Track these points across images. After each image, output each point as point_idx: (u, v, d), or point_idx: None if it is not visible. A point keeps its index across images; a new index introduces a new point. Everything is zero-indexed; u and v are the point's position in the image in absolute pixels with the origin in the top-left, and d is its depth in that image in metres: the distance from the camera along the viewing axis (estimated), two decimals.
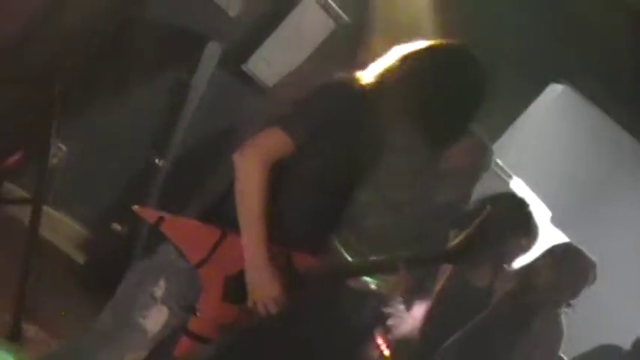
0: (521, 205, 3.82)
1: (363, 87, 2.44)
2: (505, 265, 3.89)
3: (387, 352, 3.63)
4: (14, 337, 3.38)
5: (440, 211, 3.80)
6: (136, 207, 2.60)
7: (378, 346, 3.63)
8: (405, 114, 2.46)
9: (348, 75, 2.61)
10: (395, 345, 3.53)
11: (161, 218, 2.37)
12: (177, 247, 2.34)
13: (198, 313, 2.34)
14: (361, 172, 2.52)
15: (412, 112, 2.44)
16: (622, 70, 4.38)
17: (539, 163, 5.21)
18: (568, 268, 3.66)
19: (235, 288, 2.35)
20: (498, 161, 4.70)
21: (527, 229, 3.68)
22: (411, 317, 3.44)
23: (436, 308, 3.66)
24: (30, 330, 3.50)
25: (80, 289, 4.14)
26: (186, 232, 2.39)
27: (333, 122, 2.39)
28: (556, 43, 4.75)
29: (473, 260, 2.79)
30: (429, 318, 3.61)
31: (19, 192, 4.08)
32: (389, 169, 2.64)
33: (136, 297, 2.42)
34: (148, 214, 2.50)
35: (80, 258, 4.35)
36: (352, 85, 2.46)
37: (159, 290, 2.40)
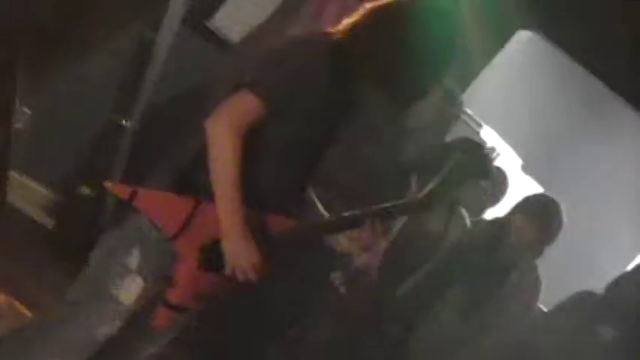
0: (478, 147, 3.87)
1: (334, 43, 2.41)
2: (465, 211, 3.98)
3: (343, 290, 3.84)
4: None
5: (408, 165, 3.90)
6: (107, 183, 2.65)
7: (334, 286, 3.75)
8: (374, 69, 2.44)
9: (318, 32, 2.63)
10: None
11: (134, 193, 2.35)
12: (151, 220, 2.34)
13: (174, 283, 2.33)
14: (333, 128, 2.51)
15: (380, 68, 2.42)
16: (592, 16, 4.37)
17: (510, 112, 5.23)
18: (545, 221, 3.68)
19: (212, 256, 2.35)
20: (468, 110, 4.70)
21: (485, 172, 3.76)
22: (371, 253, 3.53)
23: (391, 251, 3.74)
24: (0, 299, 3.47)
25: (50, 255, 4.06)
26: (159, 205, 2.38)
27: (306, 82, 2.37)
28: None
29: (437, 208, 2.76)
30: (385, 260, 3.72)
31: None
32: (359, 125, 2.64)
33: (109, 267, 2.40)
34: (120, 189, 2.47)
35: (49, 223, 4.29)
36: (323, 43, 2.43)
37: (133, 260, 2.39)
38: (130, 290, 2.38)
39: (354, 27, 2.43)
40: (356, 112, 2.59)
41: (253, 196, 2.36)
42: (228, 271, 2.34)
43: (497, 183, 4.03)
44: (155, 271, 2.38)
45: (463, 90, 4.60)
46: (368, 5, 2.45)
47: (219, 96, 2.44)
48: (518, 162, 5.06)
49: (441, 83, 3.39)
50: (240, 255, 2.34)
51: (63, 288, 2.58)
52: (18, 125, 3.77)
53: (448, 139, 4.15)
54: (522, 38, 4.98)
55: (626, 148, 5.35)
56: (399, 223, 3.75)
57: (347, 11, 2.55)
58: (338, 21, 2.52)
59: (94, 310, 2.38)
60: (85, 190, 4.06)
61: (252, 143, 2.36)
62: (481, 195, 4.02)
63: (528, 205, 3.86)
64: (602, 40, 4.38)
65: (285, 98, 2.36)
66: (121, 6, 3.92)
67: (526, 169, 5.12)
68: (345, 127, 2.57)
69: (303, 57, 2.43)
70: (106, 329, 2.34)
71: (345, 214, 2.52)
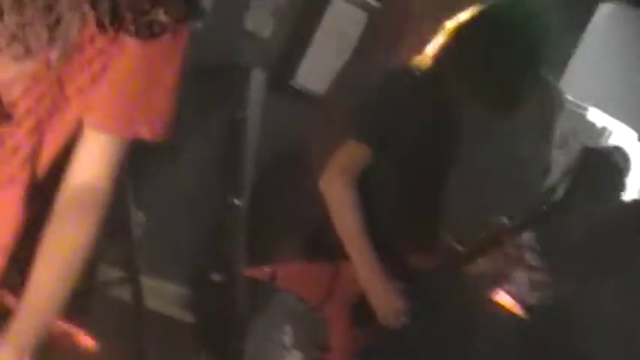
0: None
1: (423, 72, 2.53)
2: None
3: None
4: None
5: (526, 165, 3.94)
6: (246, 271, 2.85)
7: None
8: (478, 82, 2.53)
9: (403, 66, 2.73)
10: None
11: (274, 273, 2.49)
12: (297, 294, 2.49)
13: (330, 348, 2.47)
14: (444, 153, 2.58)
15: (484, 79, 2.52)
16: None
17: (611, 87, 5.17)
18: None
19: (361, 313, 2.46)
20: (569, 97, 4.68)
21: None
22: None
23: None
24: None
25: (196, 349, 4.22)
26: (300, 278, 2.53)
27: (403, 117, 2.49)
28: None
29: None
30: None
31: (112, 271, 4.14)
32: (472, 141, 2.67)
33: (268, 351, 2.56)
34: (259, 273, 2.61)
35: (188, 318, 4.41)
36: (411, 75, 2.54)
37: (287, 337, 2.52)
38: None
39: (446, 49, 2.53)
40: (466, 129, 2.64)
41: (388, 241, 2.47)
42: (381, 321, 2.45)
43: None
44: (310, 341, 2.49)
45: (559, 79, 4.59)
46: (450, 25, 2.54)
47: (321, 151, 2.61)
48: (633, 135, 4.96)
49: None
50: (386, 304, 2.45)
51: None
52: (137, 231, 3.95)
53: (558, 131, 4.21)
54: (605, 11, 4.95)
55: None
56: None
57: (425, 38, 2.69)
58: (418, 49, 2.65)
59: None
60: (216, 277, 4.17)
61: (371, 193, 2.48)
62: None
63: None
64: None
65: (384, 135, 2.47)
66: (204, 91, 4.06)
67: None
68: (456, 150, 2.61)
69: (396, 94, 2.55)
70: None
71: (481, 237, 2.61)
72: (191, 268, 4.35)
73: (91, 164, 1.47)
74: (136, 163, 3.77)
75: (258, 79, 4.12)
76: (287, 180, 4.11)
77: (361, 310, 2.55)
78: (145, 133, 1.49)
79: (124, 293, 3.82)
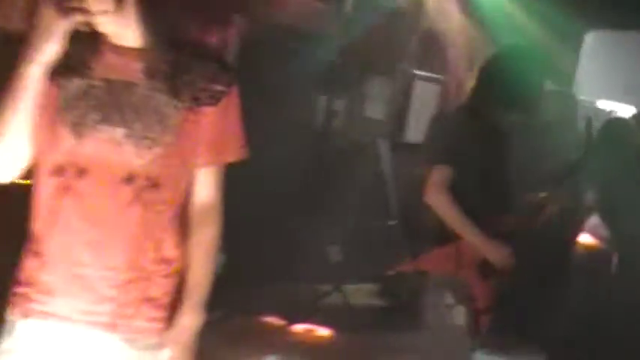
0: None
1: (468, 106, 3.48)
2: None
3: None
4: None
5: (556, 152, 4.75)
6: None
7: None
8: (509, 101, 3.38)
9: (457, 106, 3.88)
10: None
11: (416, 264, 3.74)
12: (437, 271, 3.50)
13: (477, 298, 3.39)
14: (498, 157, 3.46)
15: (511, 99, 3.36)
16: None
17: (611, 84, 7.05)
18: None
19: (485, 268, 3.37)
20: (581, 97, 6.30)
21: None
22: None
23: None
24: None
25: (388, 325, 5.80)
26: (435, 261, 3.49)
27: (466, 143, 3.30)
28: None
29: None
30: None
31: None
32: (514, 145, 3.61)
33: (442, 311, 3.51)
34: (408, 266, 4.09)
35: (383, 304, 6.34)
36: (463, 111, 3.50)
37: (450, 299, 3.46)
38: (460, 316, 3.47)
39: (479, 86, 3.45)
40: (505, 139, 3.51)
41: (480, 219, 3.29)
42: (502, 267, 3.35)
43: None
44: (464, 297, 3.43)
45: (570, 85, 6.49)
46: (478, 68, 3.53)
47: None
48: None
49: (551, 89, 4.46)
50: (497, 255, 3.34)
51: None
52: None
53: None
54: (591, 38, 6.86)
55: None
56: None
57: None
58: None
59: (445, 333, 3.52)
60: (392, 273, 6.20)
61: (460, 192, 3.24)
62: None
63: None
64: None
65: (463, 157, 3.25)
66: (353, 158, 6.24)
67: None
68: (507, 151, 3.52)
69: (457, 129, 3.39)
70: None
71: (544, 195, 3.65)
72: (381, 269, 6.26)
73: (207, 188, 2.06)
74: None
75: (383, 144, 6.31)
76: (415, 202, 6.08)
77: (484, 267, 3.37)
78: (232, 157, 2.05)
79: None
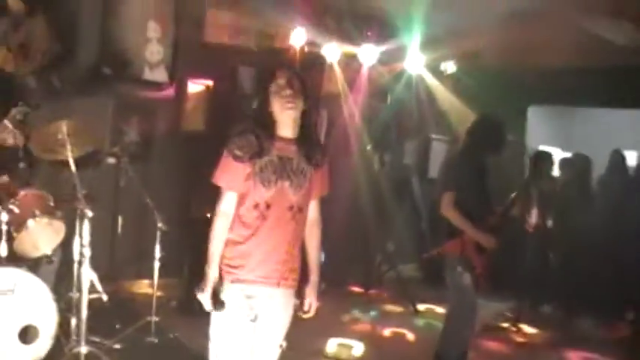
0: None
1: (466, 148, 5.44)
2: None
3: None
4: None
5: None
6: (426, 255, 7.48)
7: None
8: (490, 146, 5.36)
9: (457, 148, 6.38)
10: None
11: (439, 252, 5.44)
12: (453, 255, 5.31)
13: (478, 267, 5.28)
14: (484, 182, 5.39)
15: (491, 145, 5.35)
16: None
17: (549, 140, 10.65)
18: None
19: (479, 248, 5.25)
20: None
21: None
22: None
23: None
24: None
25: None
26: (451, 249, 5.28)
27: (467, 173, 5.23)
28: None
29: None
30: None
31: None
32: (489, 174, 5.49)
33: (460, 277, 5.31)
34: (434, 254, 5.61)
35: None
36: (458, 156, 5.58)
37: (460, 269, 5.27)
38: (469, 280, 5.25)
39: (470, 139, 5.40)
40: (486, 170, 5.44)
41: (477, 220, 5.18)
42: (489, 248, 5.26)
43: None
44: (469, 267, 5.24)
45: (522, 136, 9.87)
46: (467, 128, 5.54)
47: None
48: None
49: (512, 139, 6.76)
50: (487, 241, 5.24)
51: None
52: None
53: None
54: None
55: None
56: None
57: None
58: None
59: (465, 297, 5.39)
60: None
61: (463, 206, 5.13)
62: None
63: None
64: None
65: (462, 184, 5.15)
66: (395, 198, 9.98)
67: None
68: (487, 178, 5.44)
69: (457, 167, 5.37)
70: None
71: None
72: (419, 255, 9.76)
73: (315, 211, 3.65)
74: None
75: (415, 180, 9.94)
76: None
77: (479, 248, 5.21)
78: (326, 192, 3.66)
79: None
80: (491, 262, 5.38)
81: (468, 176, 5.22)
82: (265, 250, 3.44)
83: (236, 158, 3.37)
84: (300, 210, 3.47)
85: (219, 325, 3.48)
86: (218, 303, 3.42)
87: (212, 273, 3.44)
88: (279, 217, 3.43)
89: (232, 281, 3.44)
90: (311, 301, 3.67)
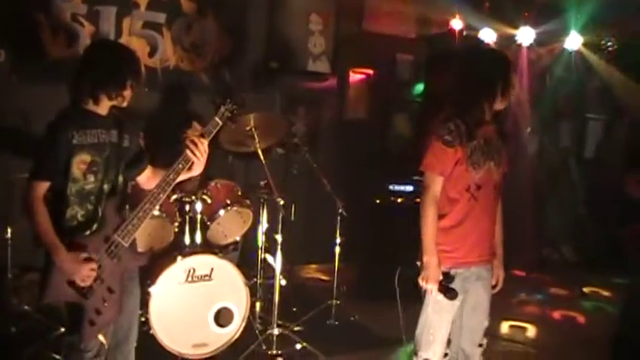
0: None
1: None
2: None
3: None
4: None
5: None
6: None
7: None
8: None
9: None
10: None
11: None
12: None
13: None
14: None
15: None
16: None
17: None
18: None
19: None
20: None
21: None
22: None
23: None
24: None
25: None
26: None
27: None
28: None
29: None
30: None
31: None
32: None
33: None
34: None
35: None
36: None
37: None
38: None
39: None
40: None
41: None
42: None
43: None
44: None
45: None
46: None
47: None
48: None
49: None
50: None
51: None
52: None
53: None
54: None
55: None
56: None
57: None
58: None
59: None
60: None
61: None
62: None
63: None
64: None
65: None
66: None
67: None
68: None
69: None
70: None
71: None
72: None
73: None
74: None
75: (572, 159, 9.86)
76: None
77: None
78: (508, 169, 3.81)
79: None
80: None
81: None
82: (480, 230, 3.60)
83: (447, 143, 3.47)
84: (500, 187, 3.65)
85: (434, 309, 3.62)
86: (450, 291, 3.53)
87: (435, 260, 3.55)
88: (487, 197, 3.58)
89: (452, 266, 3.59)
90: (499, 275, 3.79)
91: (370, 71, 8.13)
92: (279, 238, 5.27)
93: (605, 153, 9.71)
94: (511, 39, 8.43)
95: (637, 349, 5.23)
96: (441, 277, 3.56)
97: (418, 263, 3.67)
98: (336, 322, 6.17)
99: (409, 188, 6.98)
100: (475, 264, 3.64)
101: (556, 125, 9.76)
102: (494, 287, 3.84)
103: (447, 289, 3.54)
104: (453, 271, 3.60)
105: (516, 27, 8.29)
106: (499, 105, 3.60)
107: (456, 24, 8.09)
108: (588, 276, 8.44)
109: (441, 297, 3.56)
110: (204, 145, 3.54)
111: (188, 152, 3.52)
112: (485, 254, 3.68)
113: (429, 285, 3.56)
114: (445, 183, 3.57)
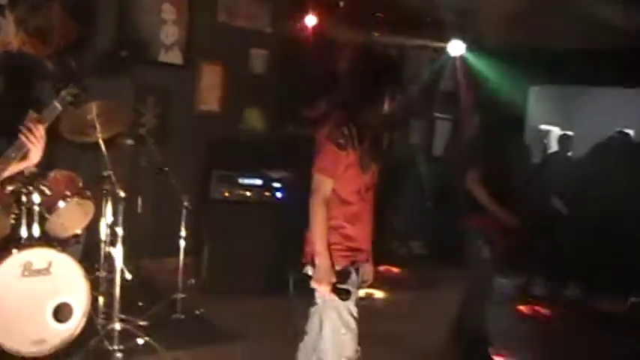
0: None
1: None
2: None
3: None
4: None
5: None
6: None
7: None
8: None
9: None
10: None
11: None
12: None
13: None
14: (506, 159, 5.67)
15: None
16: None
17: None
18: None
19: (501, 225, 5.41)
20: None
21: None
22: None
23: None
24: None
25: None
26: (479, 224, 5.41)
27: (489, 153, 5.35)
28: None
29: None
30: None
31: None
32: None
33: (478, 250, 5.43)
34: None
35: None
36: (479, 138, 5.97)
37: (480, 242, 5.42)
38: (488, 254, 5.43)
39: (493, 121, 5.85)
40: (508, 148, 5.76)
41: (503, 192, 5.43)
42: (509, 225, 5.42)
43: None
44: (490, 241, 5.45)
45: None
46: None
47: None
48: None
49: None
50: (509, 219, 5.39)
51: None
52: None
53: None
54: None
55: None
56: None
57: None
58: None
59: None
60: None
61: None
62: None
63: None
64: None
65: (487, 162, 5.34)
66: None
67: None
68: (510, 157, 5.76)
69: (486, 142, 5.61)
70: None
71: None
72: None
73: None
74: None
75: (420, 157, 10.12)
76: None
77: (500, 224, 5.36)
78: None
79: None
80: (511, 239, 5.44)
81: (492, 154, 5.32)
82: (367, 230, 3.76)
83: (340, 147, 3.56)
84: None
85: (333, 307, 3.65)
86: (343, 292, 3.54)
87: (327, 262, 3.56)
88: (371, 198, 3.78)
89: (347, 264, 3.65)
90: (370, 271, 3.91)
91: (224, 64, 8.06)
92: (119, 231, 5.15)
93: (452, 151, 10.15)
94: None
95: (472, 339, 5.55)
96: (334, 279, 3.57)
97: (309, 268, 3.69)
98: (182, 316, 6.13)
99: (258, 182, 7.05)
100: (362, 262, 3.79)
101: (406, 123, 10.06)
102: (365, 282, 3.91)
103: (340, 290, 3.55)
104: (348, 269, 3.66)
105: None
106: (387, 108, 3.66)
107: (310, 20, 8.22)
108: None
109: (332, 297, 3.58)
110: (40, 130, 3.38)
111: (22, 138, 3.35)
112: (369, 253, 3.85)
113: (322, 287, 3.57)
114: (336, 185, 3.62)
